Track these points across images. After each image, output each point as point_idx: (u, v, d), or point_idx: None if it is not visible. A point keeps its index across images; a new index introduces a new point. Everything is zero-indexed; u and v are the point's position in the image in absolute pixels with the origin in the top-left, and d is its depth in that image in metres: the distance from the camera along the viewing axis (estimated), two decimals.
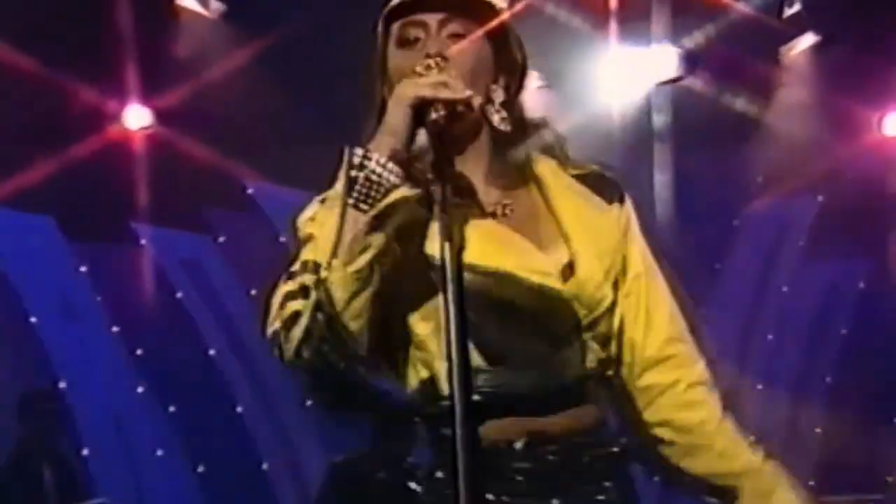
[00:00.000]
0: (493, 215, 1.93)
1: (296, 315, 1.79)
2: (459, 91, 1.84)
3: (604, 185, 2.03)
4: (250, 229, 7.23)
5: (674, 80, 6.90)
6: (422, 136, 1.85)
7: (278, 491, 7.06)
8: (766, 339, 7.92)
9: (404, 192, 1.78)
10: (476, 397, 1.75)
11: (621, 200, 2.03)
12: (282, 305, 1.81)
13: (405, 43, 1.95)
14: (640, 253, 2.05)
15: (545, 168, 2.02)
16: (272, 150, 6.69)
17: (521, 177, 2.00)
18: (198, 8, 6.59)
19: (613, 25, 6.76)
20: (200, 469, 7.00)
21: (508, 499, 1.82)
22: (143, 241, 7.01)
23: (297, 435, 7.04)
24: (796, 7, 6.83)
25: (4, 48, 6.00)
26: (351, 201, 1.78)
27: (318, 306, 1.77)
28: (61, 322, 6.79)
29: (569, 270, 1.91)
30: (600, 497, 1.91)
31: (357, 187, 1.78)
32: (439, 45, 1.91)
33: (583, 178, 2.03)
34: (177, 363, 6.98)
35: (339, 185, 1.83)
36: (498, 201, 1.95)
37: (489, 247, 1.87)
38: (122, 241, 6.94)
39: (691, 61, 6.83)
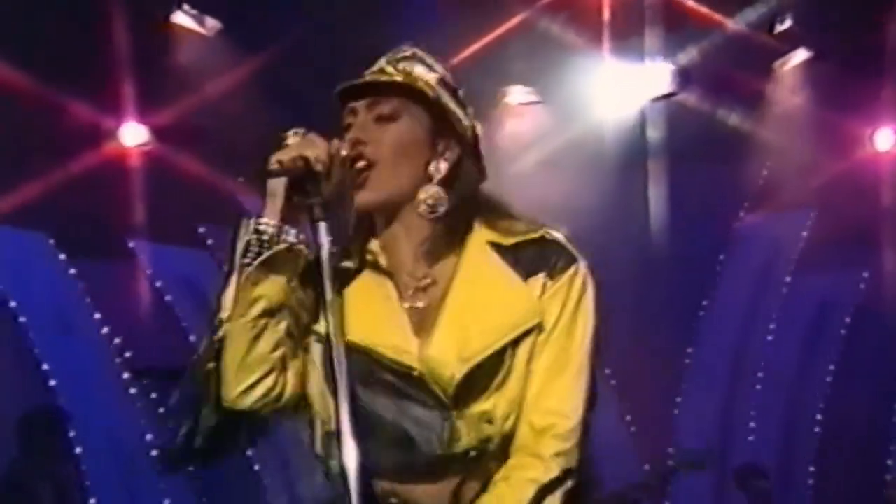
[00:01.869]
0: (423, 289, 2.03)
1: (210, 371, 2.02)
2: (320, 147, 2.00)
3: (536, 257, 2.02)
4: None
5: (667, 96, 6.94)
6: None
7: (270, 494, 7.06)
8: (760, 350, 7.94)
9: (289, 241, 1.96)
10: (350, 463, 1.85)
11: (560, 271, 2.01)
12: (201, 366, 2.04)
13: (345, 128, 2.10)
14: (559, 320, 2.01)
15: (473, 240, 2.06)
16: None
17: (451, 249, 2.05)
18: (194, 26, 6.62)
19: (607, 41, 6.80)
20: (198, 483, 7.01)
21: None
22: (140, 258, 7.02)
23: (295, 451, 7.03)
24: (788, 23, 6.88)
25: (1, 66, 6.03)
26: (245, 261, 1.98)
27: (218, 356, 1.99)
28: (58, 338, 6.80)
29: (424, 349, 1.98)
30: None
31: (250, 250, 1.98)
32: (362, 129, 2.04)
33: (515, 248, 2.04)
34: (174, 379, 6.97)
35: (236, 253, 2.01)
36: (424, 276, 2.03)
37: (367, 327, 1.98)
38: (118, 258, 6.95)
39: (684, 77, 6.87)
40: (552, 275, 2.00)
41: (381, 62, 2.08)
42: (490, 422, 1.95)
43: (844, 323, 7.91)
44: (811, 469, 7.81)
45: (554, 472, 1.94)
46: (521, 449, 1.97)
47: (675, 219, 7.17)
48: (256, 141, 6.84)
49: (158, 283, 7.09)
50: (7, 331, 6.64)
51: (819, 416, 7.82)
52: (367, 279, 2.05)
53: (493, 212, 2.07)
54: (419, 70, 2.06)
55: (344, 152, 2.00)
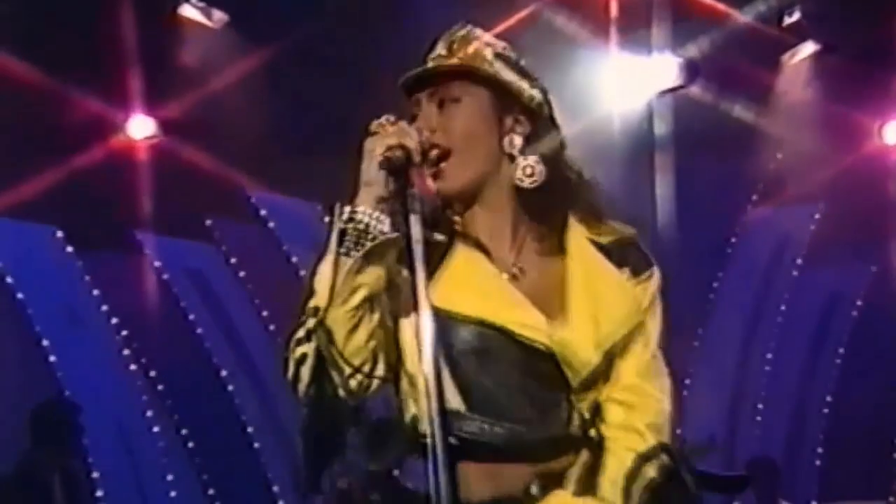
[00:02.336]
0: (512, 276, 2.03)
1: (303, 357, 1.96)
2: (414, 137, 1.97)
3: (630, 258, 2.10)
4: (254, 238, 7.26)
5: (674, 89, 6.92)
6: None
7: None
8: (766, 346, 7.93)
9: (389, 234, 1.94)
10: (452, 440, 1.89)
11: (647, 277, 2.10)
12: (293, 350, 1.97)
13: (412, 118, 2.09)
14: (653, 331, 2.10)
15: (574, 235, 2.09)
16: (276, 160, 6.72)
17: (554, 244, 2.07)
18: (201, 18, 6.62)
19: (614, 34, 6.78)
20: (205, 477, 7.03)
21: None
22: (147, 251, 7.03)
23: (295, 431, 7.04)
24: (796, 16, 6.85)
25: (9, 59, 6.03)
26: (342, 250, 1.95)
27: (319, 347, 1.94)
28: (66, 331, 6.81)
29: (559, 330, 2.00)
30: None
31: (347, 238, 1.95)
32: (427, 119, 2.05)
33: (609, 249, 2.09)
34: (180, 371, 7.00)
35: (331, 240, 1.98)
36: (515, 263, 2.04)
37: (485, 300, 1.99)
38: (126, 251, 6.96)
39: (692, 70, 6.85)
40: (635, 274, 2.08)
41: (440, 45, 2.09)
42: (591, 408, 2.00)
43: (852, 316, 7.90)
44: (818, 460, 7.81)
45: (650, 441, 1.99)
46: (614, 425, 2.00)
47: (682, 212, 7.16)
48: (263, 133, 6.79)
49: (165, 276, 7.10)
50: (15, 323, 6.66)
51: (826, 409, 7.81)
52: (464, 253, 2.04)
53: (588, 209, 2.11)
54: (473, 48, 2.07)
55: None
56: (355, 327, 1.93)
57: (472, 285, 1.99)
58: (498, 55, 2.09)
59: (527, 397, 1.94)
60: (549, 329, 1.97)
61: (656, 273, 2.11)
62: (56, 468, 5.53)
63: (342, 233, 1.94)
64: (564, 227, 2.08)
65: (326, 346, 1.91)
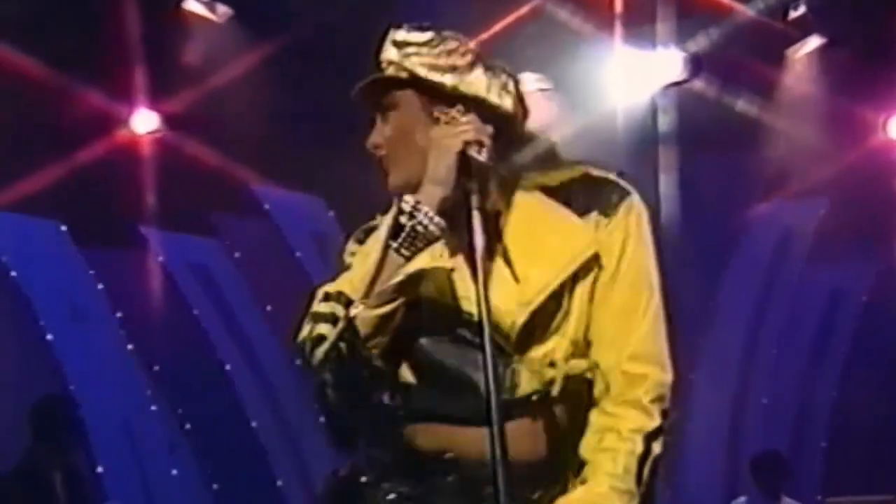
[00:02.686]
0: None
1: (321, 338, 1.95)
2: (489, 132, 1.95)
3: (587, 196, 2.03)
4: (257, 233, 7.26)
5: (679, 83, 6.91)
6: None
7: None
8: (770, 341, 7.93)
9: (439, 261, 1.92)
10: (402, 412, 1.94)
11: (620, 212, 2.01)
12: (312, 324, 1.96)
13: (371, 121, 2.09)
14: (622, 256, 2.01)
15: (521, 190, 2.04)
16: (279, 155, 6.71)
17: (499, 204, 2.03)
18: (205, 12, 6.62)
19: (619, 29, 6.78)
20: (215, 487, 7.02)
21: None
22: (151, 246, 7.03)
23: (306, 440, 7.05)
24: (801, 10, 6.84)
25: (14, 54, 6.03)
26: (394, 245, 1.92)
27: (342, 336, 1.93)
28: (70, 325, 6.82)
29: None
30: None
31: (403, 234, 1.92)
32: (375, 134, 2.03)
33: (565, 189, 2.04)
34: (185, 366, 7.00)
35: (384, 228, 1.95)
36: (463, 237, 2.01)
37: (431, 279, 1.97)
38: (130, 246, 6.97)
39: (696, 64, 6.84)
40: (606, 211, 2.00)
41: (386, 49, 2.06)
42: (552, 364, 1.95)
43: (856, 311, 7.88)
44: (823, 456, 7.80)
45: (657, 419, 1.97)
46: (617, 397, 1.97)
47: (686, 206, 7.15)
48: (266, 128, 6.77)
49: (169, 271, 7.11)
50: (19, 318, 6.66)
51: (831, 405, 7.80)
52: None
53: (542, 159, 2.06)
54: (389, 55, 2.04)
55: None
56: (380, 331, 1.92)
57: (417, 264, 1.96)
58: (412, 54, 2.02)
59: (471, 365, 1.92)
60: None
61: (633, 201, 2.02)
62: (58, 464, 5.53)
63: (399, 227, 1.91)
64: (514, 183, 2.03)
65: (351, 338, 1.91)
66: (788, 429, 7.82)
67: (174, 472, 6.91)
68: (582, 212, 2.00)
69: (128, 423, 6.85)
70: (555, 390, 1.95)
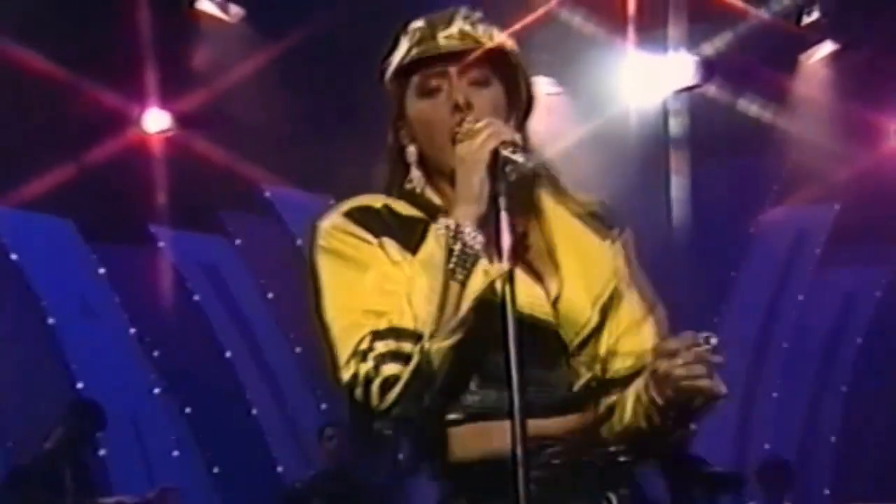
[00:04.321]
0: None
1: (393, 379, 1.90)
2: (508, 130, 1.95)
3: (599, 221, 2.09)
4: (267, 232, 7.26)
5: (691, 88, 6.90)
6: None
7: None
8: (781, 346, 7.91)
9: (492, 271, 1.89)
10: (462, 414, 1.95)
11: (618, 234, 2.11)
12: (374, 365, 1.91)
13: (427, 92, 2.03)
14: (627, 275, 2.09)
15: (547, 202, 2.09)
16: (290, 154, 6.72)
17: (525, 210, 2.06)
18: (217, 12, 6.63)
19: (631, 33, 6.77)
20: (216, 470, 7.04)
21: None
22: (161, 244, 7.05)
23: (311, 439, 7.06)
24: (815, 15, 6.82)
25: (26, 53, 6.04)
26: (450, 268, 1.90)
27: (417, 374, 1.90)
28: (80, 323, 6.84)
29: (557, 299, 2.00)
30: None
31: (454, 259, 1.91)
32: (463, 92, 2.00)
33: (580, 215, 2.09)
34: (193, 364, 7.01)
35: (438, 255, 1.91)
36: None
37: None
38: (140, 244, 6.98)
39: (708, 69, 6.83)
40: (613, 238, 2.09)
41: (456, 25, 2.04)
42: (594, 362, 2.02)
43: (868, 315, 7.86)
44: (832, 461, 7.78)
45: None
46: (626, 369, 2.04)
47: (697, 211, 7.14)
48: (277, 127, 6.78)
49: (179, 269, 7.11)
50: (29, 314, 6.68)
51: (841, 409, 7.78)
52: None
53: (554, 185, 2.10)
54: (499, 37, 2.04)
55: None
56: (453, 361, 1.90)
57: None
58: (514, 50, 2.07)
59: (534, 365, 1.93)
60: (547, 298, 1.98)
61: (628, 232, 2.13)
62: (67, 459, 5.55)
63: (450, 252, 1.89)
64: (534, 194, 2.06)
65: (427, 374, 1.89)
66: (798, 434, 7.80)
67: (176, 453, 6.91)
68: (600, 231, 2.08)
69: (136, 419, 6.87)
70: (595, 386, 2.01)
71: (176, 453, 6.98)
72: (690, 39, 6.79)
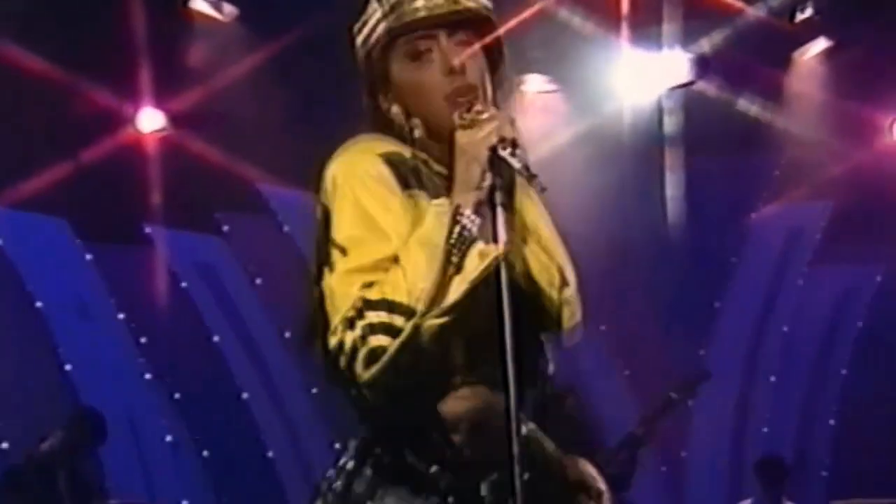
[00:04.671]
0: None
1: (379, 350, 1.90)
2: (509, 125, 1.95)
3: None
4: (262, 231, 7.26)
5: (685, 85, 6.91)
6: None
7: (284, 477, 7.08)
8: (776, 344, 7.91)
9: (488, 253, 1.91)
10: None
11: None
12: (361, 335, 1.90)
13: (415, 55, 2.04)
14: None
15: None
16: (285, 153, 6.71)
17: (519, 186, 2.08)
18: (211, 12, 6.62)
19: (625, 30, 6.77)
20: (205, 454, 7.02)
21: None
22: (156, 244, 7.04)
23: (302, 422, 7.05)
24: (809, 11, 6.83)
25: (20, 52, 6.04)
26: (448, 246, 1.91)
27: (404, 349, 1.89)
28: (75, 322, 6.83)
29: (562, 281, 2.05)
30: None
31: (452, 240, 1.92)
32: (451, 52, 2.02)
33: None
34: (188, 362, 7.00)
35: (438, 233, 1.92)
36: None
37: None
38: (135, 243, 6.97)
39: (703, 66, 6.83)
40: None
41: None
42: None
43: (862, 313, 7.87)
44: (828, 459, 7.79)
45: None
46: None
47: (691, 208, 7.15)
48: (272, 127, 6.77)
49: (175, 269, 7.11)
50: (24, 315, 6.67)
51: (836, 408, 7.79)
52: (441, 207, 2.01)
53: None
54: (481, 2, 2.07)
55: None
56: (444, 339, 1.92)
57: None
58: (492, 14, 2.10)
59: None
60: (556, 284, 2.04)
61: None
62: (63, 461, 5.55)
63: (449, 233, 1.91)
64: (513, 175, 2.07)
65: (416, 349, 1.89)
66: (793, 432, 7.81)
67: (172, 450, 6.90)
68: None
69: (132, 422, 6.86)
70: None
71: (171, 451, 6.98)
72: (685, 37, 6.80)
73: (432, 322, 1.88)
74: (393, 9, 2.05)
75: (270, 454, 7.14)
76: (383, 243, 1.93)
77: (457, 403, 1.97)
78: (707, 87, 6.95)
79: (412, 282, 1.89)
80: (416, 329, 1.88)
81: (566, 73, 6.92)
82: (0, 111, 6.08)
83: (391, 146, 2.04)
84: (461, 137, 1.95)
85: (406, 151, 2.03)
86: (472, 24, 2.05)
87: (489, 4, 2.09)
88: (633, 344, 7.33)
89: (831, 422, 7.78)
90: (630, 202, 6.80)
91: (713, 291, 7.81)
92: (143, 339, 6.98)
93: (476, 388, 1.96)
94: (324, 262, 1.97)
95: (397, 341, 1.88)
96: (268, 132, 6.63)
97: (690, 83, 6.88)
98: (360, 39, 2.10)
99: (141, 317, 6.96)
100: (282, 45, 6.40)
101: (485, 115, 1.95)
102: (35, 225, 6.74)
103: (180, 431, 7.02)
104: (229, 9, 6.64)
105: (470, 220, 1.91)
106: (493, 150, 1.91)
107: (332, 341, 1.92)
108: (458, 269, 1.90)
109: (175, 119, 6.74)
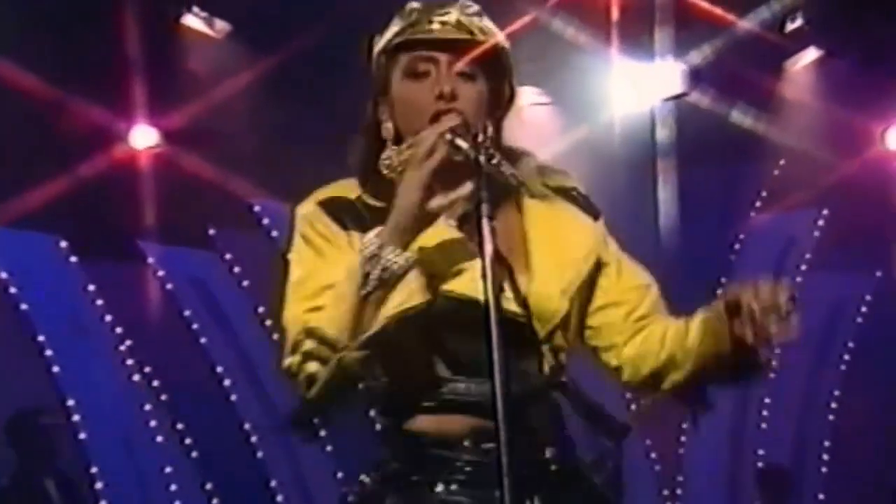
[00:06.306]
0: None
1: (312, 377, 1.99)
2: (458, 119, 1.98)
3: (586, 202, 2.19)
4: (257, 247, 7.25)
5: (678, 96, 6.92)
6: None
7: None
8: (771, 352, 7.90)
9: (411, 300, 1.94)
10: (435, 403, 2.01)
11: (597, 216, 2.23)
12: (301, 360, 2.00)
13: (415, 75, 2.05)
14: (615, 255, 2.22)
15: (530, 181, 2.12)
16: (279, 169, 6.72)
17: (506, 200, 2.09)
18: (204, 28, 6.63)
19: (616, 41, 6.78)
20: (209, 486, 7.01)
21: (457, 487, 2.01)
22: (150, 260, 7.03)
23: (305, 452, 7.04)
24: (799, 22, 6.85)
25: (12, 68, 6.04)
26: (365, 291, 1.94)
27: (333, 376, 1.97)
28: (69, 341, 6.81)
29: (527, 293, 2.04)
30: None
31: (372, 280, 1.94)
32: (451, 82, 2.03)
33: (566, 192, 2.17)
34: (184, 381, 6.99)
35: (357, 266, 1.95)
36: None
37: (462, 275, 2.01)
38: (129, 260, 6.96)
39: (695, 77, 6.85)
40: (595, 215, 2.18)
41: (454, 14, 2.06)
42: (562, 351, 2.09)
43: (856, 322, 7.88)
44: (824, 467, 7.79)
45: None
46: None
47: (685, 219, 7.15)
48: (266, 143, 6.77)
49: (169, 286, 7.10)
50: (18, 333, 6.65)
51: (831, 416, 7.79)
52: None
53: (527, 161, 2.16)
54: (496, 36, 2.09)
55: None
56: (370, 365, 1.97)
57: (444, 259, 1.99)
58: (506, 50, 2.11)
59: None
60: (517, 293, 2.01)
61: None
62: (56, 476, 5.54)
63: (366, 275, 1.93)
64: (517, 184, 2.08)
65: (342, 377, 1.96)
66: (790, 439, 7.81)
67: (173, 487, 6.89)
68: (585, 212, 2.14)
69: (127, 438, 6.84)
70: (562, 378, 2.08)
71: (168, 469, 6.96)
72: (677, 47, 6.82)
73: (351, 357, 1.94)
74: (412, 25, 2.06)
75: (273, 484, 7.12)
76: (332, 268, 2.00)
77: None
78: (699, 98, 6.97)
79: (336, 316, 1.95)
80: (339, 361, 1.95)
81: (557, 84, 6.93)
82: None
83: (336, 191, 2.08)
84: (404, 156, 2.00)
85: (353, 193, 2.06)
86: (481, 57, 2.05)
87: (505, 45, 2.09)
88: None
89: (827, 430, 7.78)
90: (622, 214, 6.79)
91: (707, 301, 7.80)
92: (137, 356, 6.96)
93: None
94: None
95: (325, 371, 1.96)
96: (261, 148, 6.64)
97: (683, 94, 6.90)
98: (375, 50, 2.12)
99: (136, 334, 6.94)
100: (275, 61, 6.41)
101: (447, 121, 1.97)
102: (28, 242, 6.73)
103: (174, 445, 7.00)
104: (222, 25, 6.65)
105: (392, 258, 1.91)
106: (451, 142, 1.91)
107: (284, 363, 2.03)
108: (378, 308, 1.93)
109: (168, 135, 6.74)
